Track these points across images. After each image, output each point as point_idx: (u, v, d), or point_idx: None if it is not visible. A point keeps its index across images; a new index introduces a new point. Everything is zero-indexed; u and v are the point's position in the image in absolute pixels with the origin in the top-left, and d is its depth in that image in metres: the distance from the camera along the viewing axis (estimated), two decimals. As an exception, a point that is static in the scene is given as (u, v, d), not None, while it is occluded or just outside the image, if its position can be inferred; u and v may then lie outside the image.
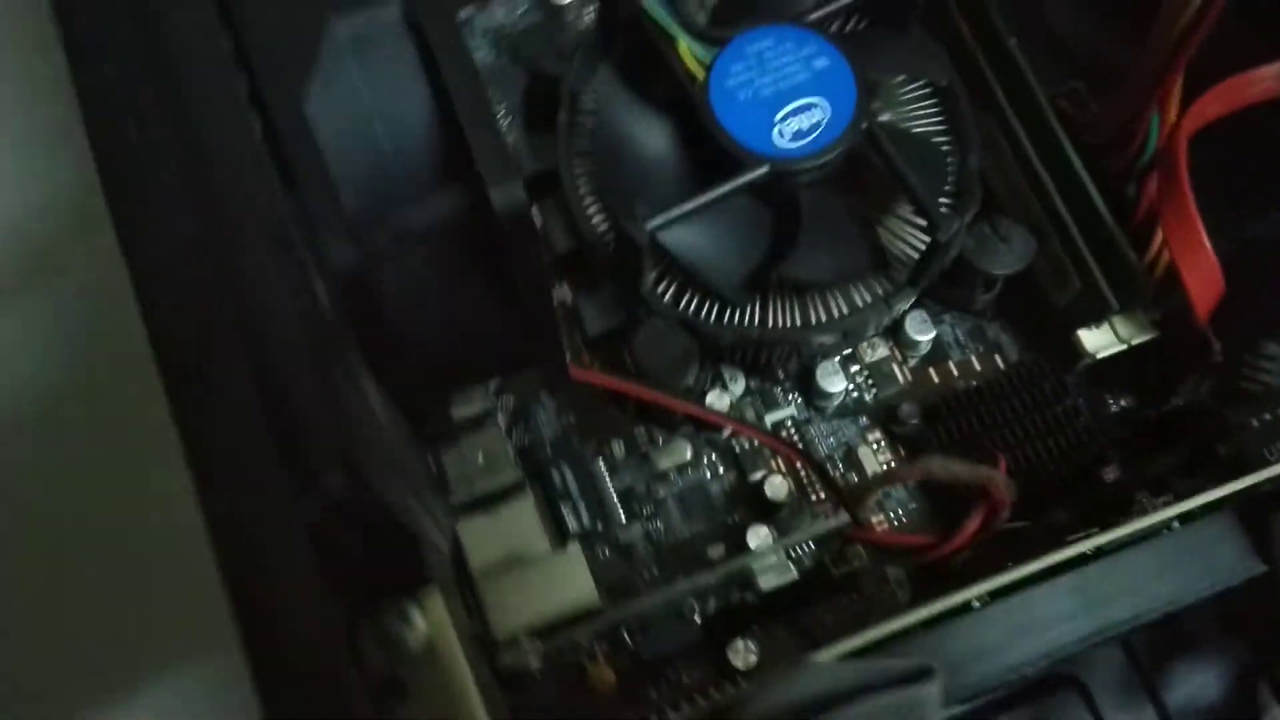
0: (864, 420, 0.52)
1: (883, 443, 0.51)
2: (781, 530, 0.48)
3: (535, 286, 0.33)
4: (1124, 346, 0.49)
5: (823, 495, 0.49)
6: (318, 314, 0.28)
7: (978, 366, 0.53)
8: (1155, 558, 0.40)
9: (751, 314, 0.49)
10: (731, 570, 0.43)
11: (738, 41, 0.49)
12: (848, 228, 0.49)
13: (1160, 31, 0.45)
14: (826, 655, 0.37)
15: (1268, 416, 0.43)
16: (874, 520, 0.47)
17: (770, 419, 0.52)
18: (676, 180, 0.49)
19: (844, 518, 0.42)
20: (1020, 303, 0.52)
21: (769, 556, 0.44)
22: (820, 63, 0.49)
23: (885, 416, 0.52)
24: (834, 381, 0.51)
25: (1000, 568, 0.40)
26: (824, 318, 0.49)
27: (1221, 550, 0.40)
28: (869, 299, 0.49)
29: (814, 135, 0.47)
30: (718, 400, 0.51)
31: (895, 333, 0.52)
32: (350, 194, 0.31)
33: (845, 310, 0.49)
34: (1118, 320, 0.50)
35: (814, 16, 0.49)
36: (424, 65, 0.31)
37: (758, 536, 0.48)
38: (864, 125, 0.47)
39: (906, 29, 0.51)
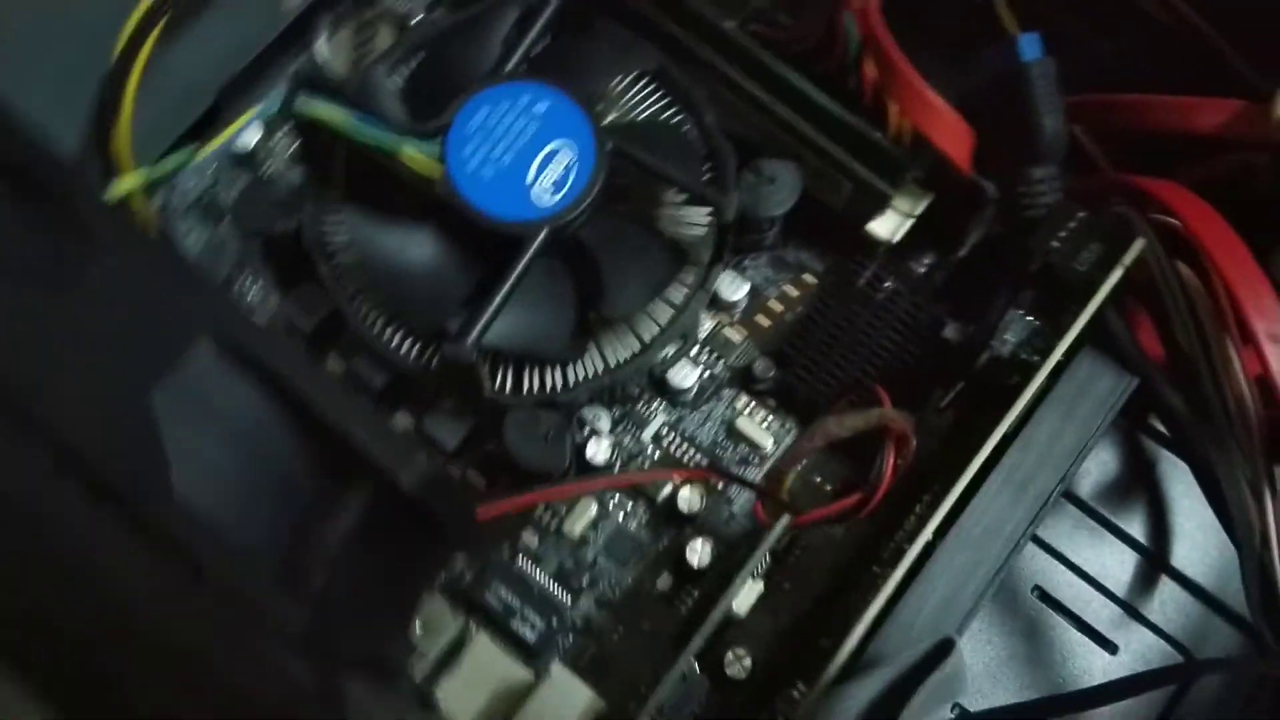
0: (727, 393, 0.53)
1: (753, 404, 0.53)
2: (721, 539, 0.50)
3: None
4: (912, 220, 0.52)
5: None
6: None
7: (794, 292, 0.55)
8: (1055, 417, 0.43)
9: (593, 363, 0.49)
10: (716, 622, 0.44)
11: (456, 124, 0.47)
12: (637, 240, 0.49)
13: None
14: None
15: (1063, 233, 0.47)
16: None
17: (647, 435, 0.53)
18: (464, 279, 0.48)
19: (784, 519, 0.44)
20: (804, 220, 0.54)
21: (739, 588, 0.45)
22: (541, 106, 0.48)
23: (744, 381, 0.53)
24: (686, 376, 0.52)
25: (933, 493, 0.43)
26: (658, 331, 0.49)
27: (1097, 382, 0.44)
28: (687, 293, 0.50)
29: (571, 177, 0.47)
30: (597, 449, 0.51)
31: (713, 301, 0.53)
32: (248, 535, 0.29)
33: (673, 315, 0.49)
34: (896, 200, 0.52)
35: (510, 66, 0.48)
36: (263, 389, 0.29)
37: (694, 550, 0.50)
38: (609, 147, 0.47)
39: (593, 32, 0.50)
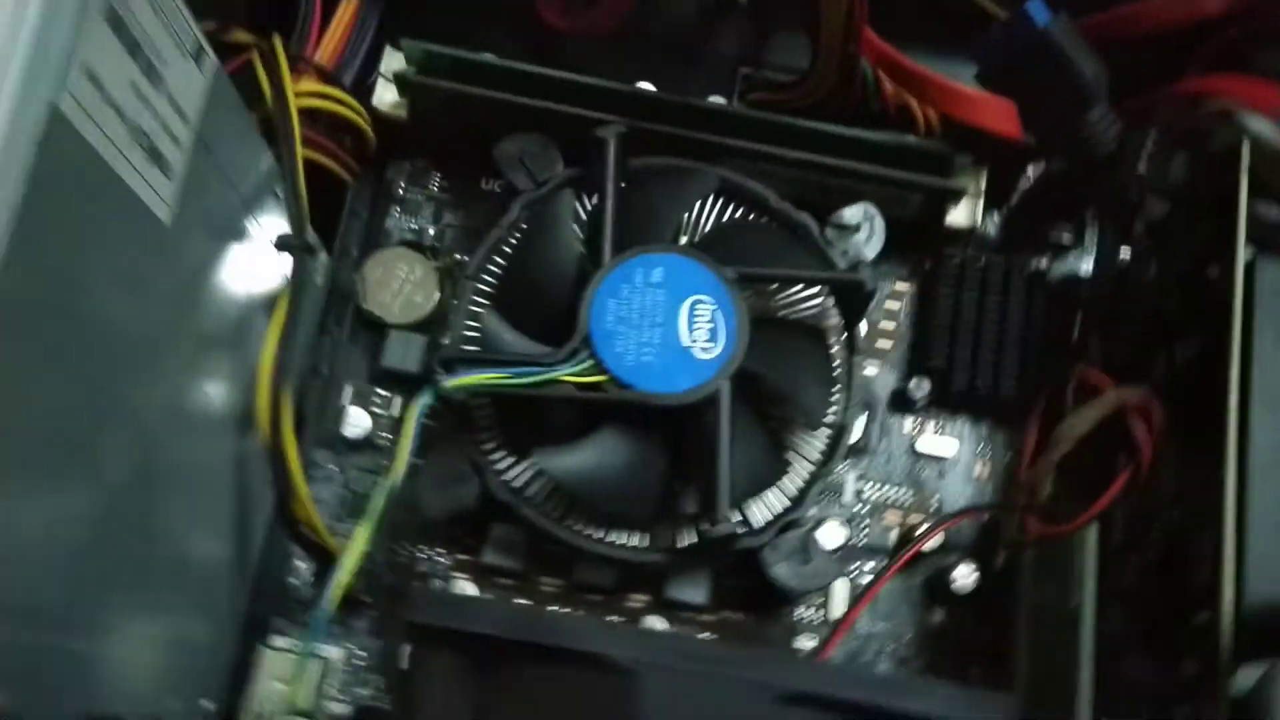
0: (892, 423, 0.56)
1: (920, 422, 0.56)
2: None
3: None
4: (982, 197, 0.55)
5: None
6: None
7: (896, 305, 0.57)
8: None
9: (804, 467, 0.51)
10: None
11: (595, 329, 0.47)
12: (790, 344, 0.51)
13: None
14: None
15: (1144, 155, 0.50)
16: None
17: (849, 495, 0.55)
18: (661, 455, 0.48)
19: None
20: (894, 243, 0.54)
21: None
22: (656, 274, 0.48)
23: (901, 405, 0.56)
24: (858, 427, 0.53)
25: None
26: (842, 409, 0.51)
27: None
28: (842, 365, 0.52)
29: (720, 323, 0.48)
30: (830, 535, 0.52)
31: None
32: None
33: (842, 390, 0.51)
34: (959, 184, 0.54)
35: (607, 255, 0.48)
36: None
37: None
38: (732, 277, 0.48)
39: (647, 179, 0.51)
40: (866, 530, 0.55)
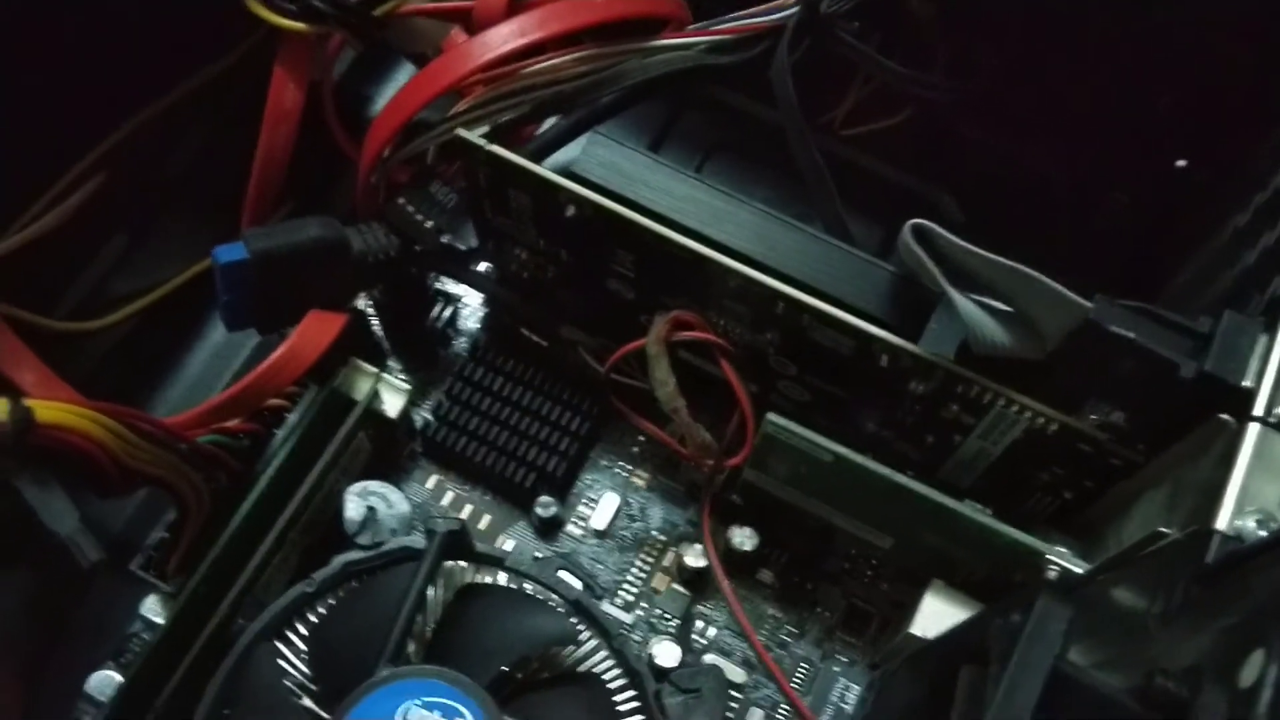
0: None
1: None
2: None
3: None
4: (401, 390, 0.52)
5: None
6: None
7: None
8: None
9: None
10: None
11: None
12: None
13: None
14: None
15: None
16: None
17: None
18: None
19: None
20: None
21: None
22: None
23: (545, 529, 0.54)
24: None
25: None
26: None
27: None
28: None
29: (447, 698, 0.43)
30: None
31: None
32: None
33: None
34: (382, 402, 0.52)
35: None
36: None
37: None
38: None
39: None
40: (662, 614, 0.53)
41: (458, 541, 0.47)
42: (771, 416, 0.46)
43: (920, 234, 0.41)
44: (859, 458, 0.45)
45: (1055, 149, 0.60)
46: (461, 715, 0.42)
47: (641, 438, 0.56)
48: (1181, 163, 0.58)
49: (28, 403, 0.38)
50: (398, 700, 0.42)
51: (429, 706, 0.42)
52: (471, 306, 0.58)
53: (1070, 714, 0.27)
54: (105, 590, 0.52)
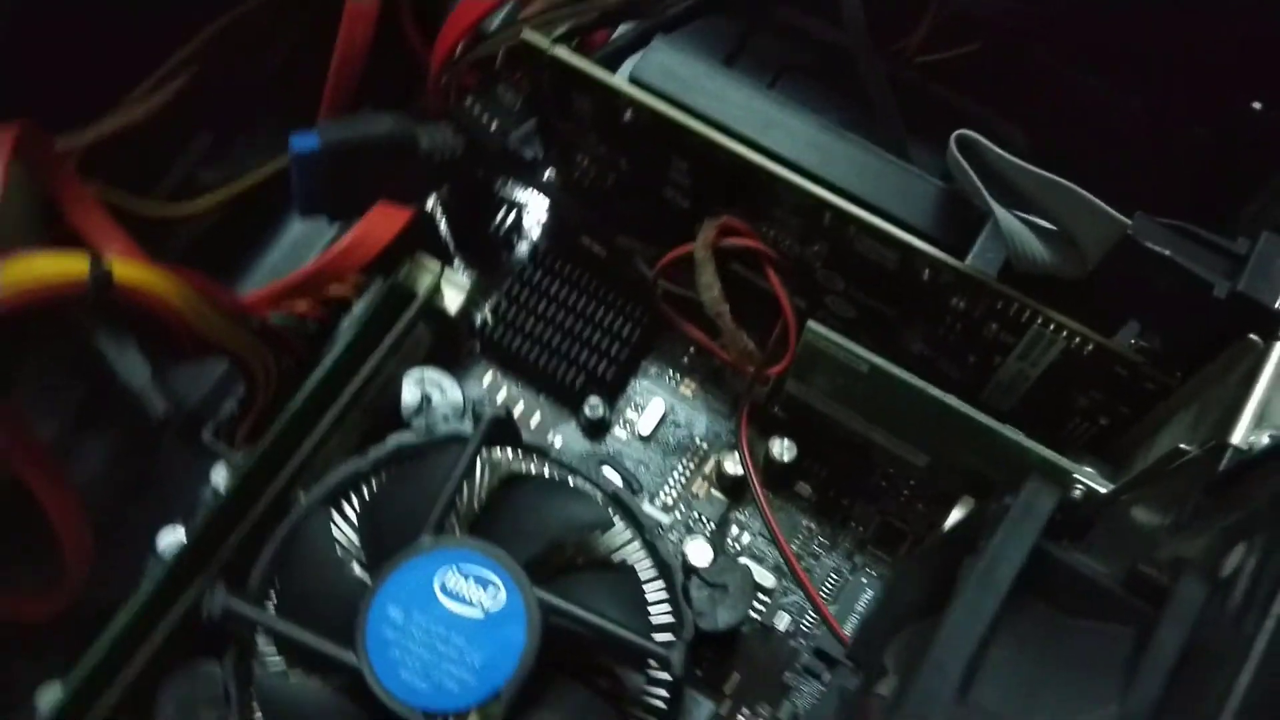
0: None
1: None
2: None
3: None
4: (461, 286, 0.54)
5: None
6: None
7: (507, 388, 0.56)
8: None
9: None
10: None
11: (432, 706, 0.43)
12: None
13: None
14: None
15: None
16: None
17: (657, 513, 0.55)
18: None
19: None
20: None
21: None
22: (395, 614, 0.44)
23: (592, 430, 0.56)
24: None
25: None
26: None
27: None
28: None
29: (483, 570, 0.45)
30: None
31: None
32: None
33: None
34: (443, 297, 0.54)
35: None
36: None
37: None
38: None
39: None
40: (699, 517, 0.55)
41: (504, 428, 0.49)
42: (812, 324, 0.47)
43: (965, 145, 0.41)
44: (894, 368, 0.46)
45: (1130, 83, 0.59)
46: (495, 585, 0.45)
47: (691, 349, 0.57)
48: (1257, 105, 0.57)
49: (108, 262, 0.41)
50: (437, 566, 0.45)
51: (465, 574, 0.45)
52: (535, 213, 0.60)
53: (1052, 593, 0.28)
54: (177, 456, 0.55)
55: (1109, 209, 0.39)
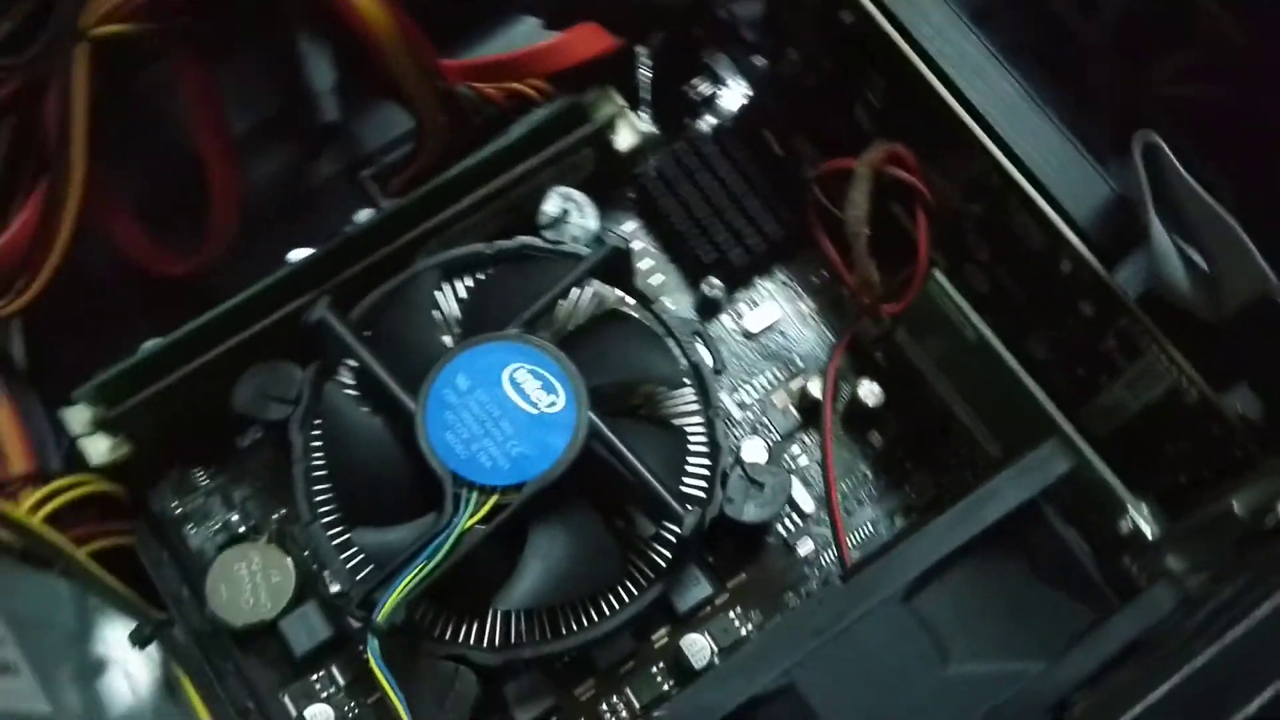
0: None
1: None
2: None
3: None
4: (626, 109, 0.56)
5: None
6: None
7: (646, 238, 0.58)
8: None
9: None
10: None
11: (462, 470, 0.46)
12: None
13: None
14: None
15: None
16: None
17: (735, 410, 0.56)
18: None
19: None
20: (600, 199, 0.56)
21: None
22: (462, 382, 0.47)
23: (707, 309, 0.57)
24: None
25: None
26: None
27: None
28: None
29: (550, 379, 0.47)
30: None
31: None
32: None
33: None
34: (604, 114, 0.56)
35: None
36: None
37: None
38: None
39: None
40: (769, 425, 0.56)
41: (620, 261, 0.51)
42: (937, 273, 0.47)
43: (1148, 149, 0.41)
44: (1000, 347, 0.46)
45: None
46: (557, 393, 0.47)
47: (824, 270, 0.58)
48: None
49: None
50: (513, 358, 0.48)
51: (534, 375, 0.47)
52: (732, 94, 0.61)
53: (1034, 553, 0.29)
54: (335, 192, 0.59)
55: (1262, 262, 0.39)
